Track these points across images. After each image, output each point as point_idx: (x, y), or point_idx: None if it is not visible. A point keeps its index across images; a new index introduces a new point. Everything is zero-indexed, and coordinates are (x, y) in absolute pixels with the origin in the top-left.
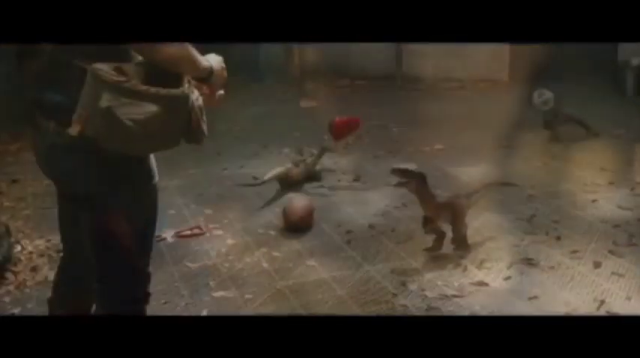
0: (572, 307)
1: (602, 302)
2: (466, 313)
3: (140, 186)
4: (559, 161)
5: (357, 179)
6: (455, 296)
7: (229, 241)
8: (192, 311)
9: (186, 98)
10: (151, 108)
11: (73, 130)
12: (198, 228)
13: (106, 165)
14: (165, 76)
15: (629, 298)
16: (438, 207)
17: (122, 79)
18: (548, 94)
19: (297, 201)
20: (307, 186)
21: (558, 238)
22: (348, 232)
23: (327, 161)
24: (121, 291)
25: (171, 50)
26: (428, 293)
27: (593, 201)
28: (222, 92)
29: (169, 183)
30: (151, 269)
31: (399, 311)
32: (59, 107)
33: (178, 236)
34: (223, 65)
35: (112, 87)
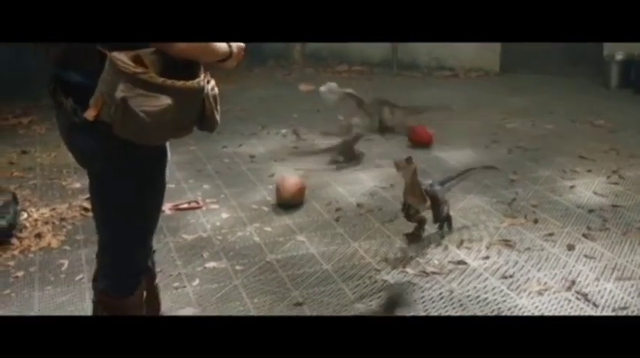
0: (544, 286)
1: (573, 282)
2: (444, 290)
3: (151, 167)
4: (541, 148)
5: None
6: (434, 273)
7: (224, 215)
8: (184, 281)
9: (201, 89)
10: (166, 100)
11: (89, 114)
12: (196, 201)
13: (119, 147)
14: (183, 64)
15: (597, 279)
16: (422, 195)
17: (139, 70)
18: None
19: (290, 179)
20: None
21: (535, 221)
22: (337, 210)
23: (322, 143)
24: (123, 262)
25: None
26: (409, 270)
27: (571, 187)
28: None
29: (170, 158)
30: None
31: (379, 286)
32: (78, 87)
33: (176, 209)
34: (243, 46)
35: (129, 77)
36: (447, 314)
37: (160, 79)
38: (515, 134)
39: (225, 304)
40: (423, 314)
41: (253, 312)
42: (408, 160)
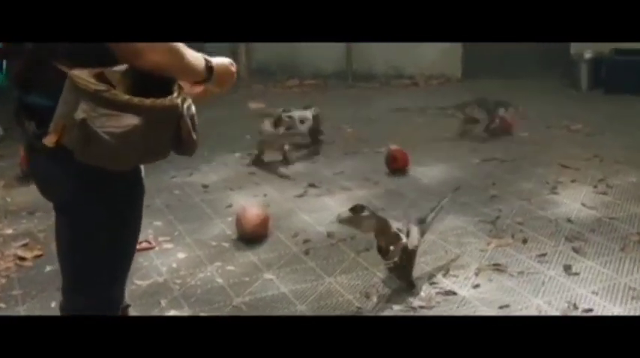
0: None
1: (576, 308)
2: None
3: (122, 198)
4: (518, 159)
5: (312, 185)
6: (422, 307)
7: (180, 255)
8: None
9: (174, 108)
10: (132, 120)
11: (49, 140)
12: (147, 241)
13: (84, 175)
14: (154, 81)
15: (602, 303)
16: (394, 236)
17: (101, 87)
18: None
19: (251, 210)
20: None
21: (525, 241)
22: (306, 241)
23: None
24: (90, 306)
25: (157, 57)
26: (393, 306)
27: (557, 199)
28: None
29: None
30: None
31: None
32: (39, 110)
33: None
34: (226, 65)
35: (90, 96)
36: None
37: (125, 97)
38: (488, 145)
39: None
40: None
41: None
42: (358, 209)
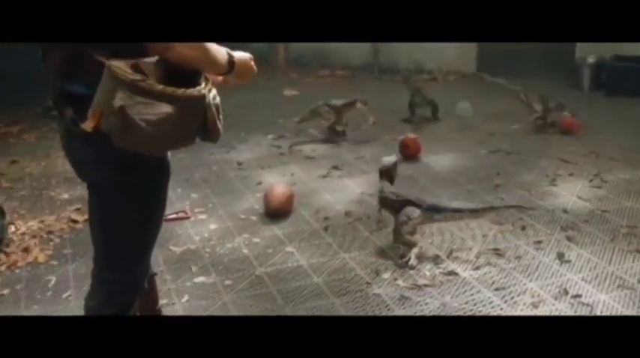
0: (538, 298)
1: (567, 293)
2: (437, 304)
3: (152, 180)
4: (523, 152)
5: (335, 167)
6: (426, 285)
7: (212, 226)
8: (173, 297)
9: (202, 98)
10: (166, 108)
11: (87, 125)
12: (184, 212)
13: (119, 158)
14: (184, 73)
15: (590, 289)
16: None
17: (138, 77)
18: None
19: (278, 188)
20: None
21: (523, 228)
22: (326, 219)
23: (307, 147)
24: (117, 279)
25: (186, 50)
26: (401, 283)
27: (555, 191)
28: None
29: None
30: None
31: (372, 301)
32: (77, 97)
33: (164, 219)
34: (246, 59)
35: (128, 85)
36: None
37: (160, 87)
38: (495, 137)
39: None
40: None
41: None
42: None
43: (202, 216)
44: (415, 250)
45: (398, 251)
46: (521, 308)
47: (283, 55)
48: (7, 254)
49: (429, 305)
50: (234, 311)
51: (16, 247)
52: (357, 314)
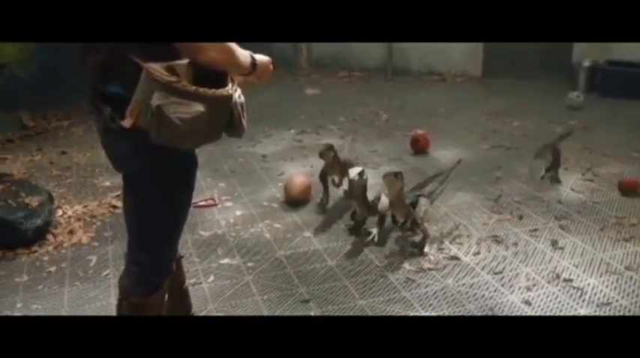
0: (532, 281)
1: (558, 277)
2: (439, 286)
3: (182, 172)
4: (522, 147)
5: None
6: (430, 269)
7: (237, 212)
8: (200, 277)
9: (230, 97)
10: (198, 107)
11: (127, 123)
12: (212, 199)
13: (154, 152)
14: (212, 75)
15: (581, 274)
16: (407, 209)
17: (173, 79)
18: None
19: (297, 178)
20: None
21: (521, 217)
22: (340, 207)
23: (327, 142)
24: (148, 261)
25: (214, 53)
26: (407, 266)
27: (546, 182)
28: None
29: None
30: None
31: (380, 283)
32: (115, 96)
33: (194, 206)
34: (266, 62)
35: (164, 86)
36: (443, 310)
37: (193, 88)
38: (497, 134)
39: (237, 300)
40: (421, 312)
41: (263, 308)
42: (398, 176)
43: (229, 204)
44: (428, 239)
45: (408, 239)
46: (517, 290)
47: (305, 57)
48: (54, 235)
49: (433, 286)
50: (255, 291)
51: (62, 229)
52: (367, 294)
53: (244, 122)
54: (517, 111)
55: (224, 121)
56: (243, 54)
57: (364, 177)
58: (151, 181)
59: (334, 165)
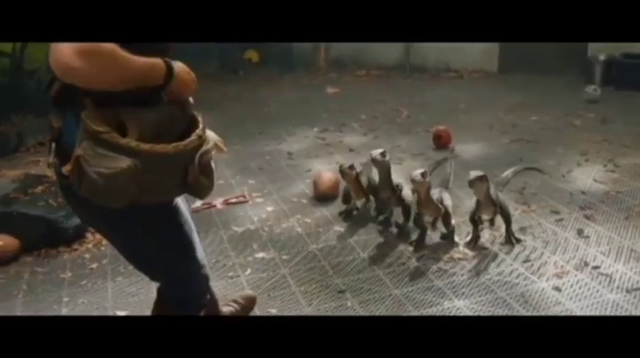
0: (561, 269)
1: (587, 265)
2: (471, 275)
3: (152, 218)
4: (542, 140)
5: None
6: (461, 259)
7: (268, 208)
8: (237, 270)
9: (176, 154)
10: (123, 163)
11: (65, 169)
12: (243, 196)
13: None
14: (174, 127)
15: (608, 261)
16: (436, 206)
17: (101, 129)
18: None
19: (325, 174)
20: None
21: (545, 208)
22: (368, 201)
23: (350, 139)
24: (180, 289)
25: (68, 59)
26: (438, 256)
27: (573, 175)
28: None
29: (218, 156)
30: (202, 232)
31: (412, 272)
32: (61, 138)
33: (226, 203)
34: (186, 70)
35: (91, 136)
36: (474, 298)
37: (124, 140)
38: (517, 128)
39: (275, 292)
40: (455, 299)
41: (301, 299)
42: (424, 175)
43: (259, 200)
44: (454, 226)
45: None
46: (546, 278)
47: (324, 56)
48: (93, 233)
49: (464, 275)
50: (292, 282)
51: None
52: (400, 284)
53: (206, 181)
54: (535, 105)
55: (173, 179)
56: (134, 62)
57: (387, 158)
58: (122, 234)
59: (356, 186)
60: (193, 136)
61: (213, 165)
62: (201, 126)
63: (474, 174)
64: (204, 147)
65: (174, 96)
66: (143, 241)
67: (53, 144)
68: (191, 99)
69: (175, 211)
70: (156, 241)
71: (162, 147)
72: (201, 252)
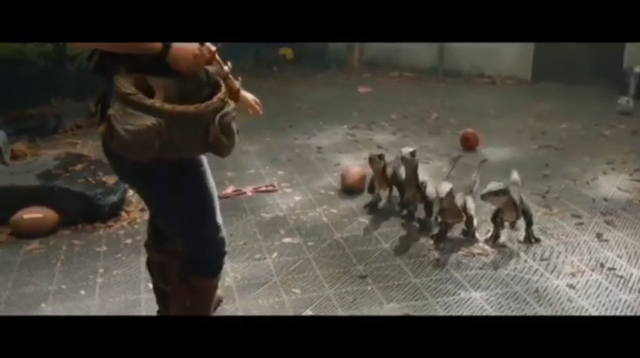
0: (577, 269)
1: (602, 266)
2: (489, 269)
3: (177, 176)
4: (569, 148)
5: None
6: (480, 254)
7: (296, 198)
8: (264, 253)
9: (198, 115)
10: (148, 120)
11: (100, 127)
12: (272, 185)
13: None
14: (194, 89)
15: (624, 265)
16: (459, 211)
17: (130, 91)
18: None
19: (353, 168)
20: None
21: (567, 212)
22: (393, 196)
23: (379, 137)
24: (199, 248)
25: None
26: (458, 251)
27: (598, 182)
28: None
29: (250, 147)
30: (232, 216)
31: (432, 263)
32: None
33: (256, 191)
34: (188, 48)
35: (122, 97)
36: (490, 290)
37: (149, 101)
38: (546, 135)
39: (299, 274)
40: (471, 291)
41: (324, 281)
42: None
43: (288, 190)
44: (476, 227)
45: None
46: (562, 276)
47: (358, 56)
48: (127, 212)
49: (482, 269)
50: (315, 266)
51: (134, 207)
52: (420, 273)
53: (226, 141)
54: (566, 114)
55: (195, 137)
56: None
57: (415, 157)
58: (152, 189)
59: (382, 177)
60: (215, 99)
61: (234, 126)
62: (223, 90)
63: (489, 187)
64: (225, 109)
65: (177, 65)
66: (169, 196)
67: (99, 106)
68: (221, 69)
69: (199, 172)
70: (179, 196)
71: (184, 107)
72: (219, 218)
